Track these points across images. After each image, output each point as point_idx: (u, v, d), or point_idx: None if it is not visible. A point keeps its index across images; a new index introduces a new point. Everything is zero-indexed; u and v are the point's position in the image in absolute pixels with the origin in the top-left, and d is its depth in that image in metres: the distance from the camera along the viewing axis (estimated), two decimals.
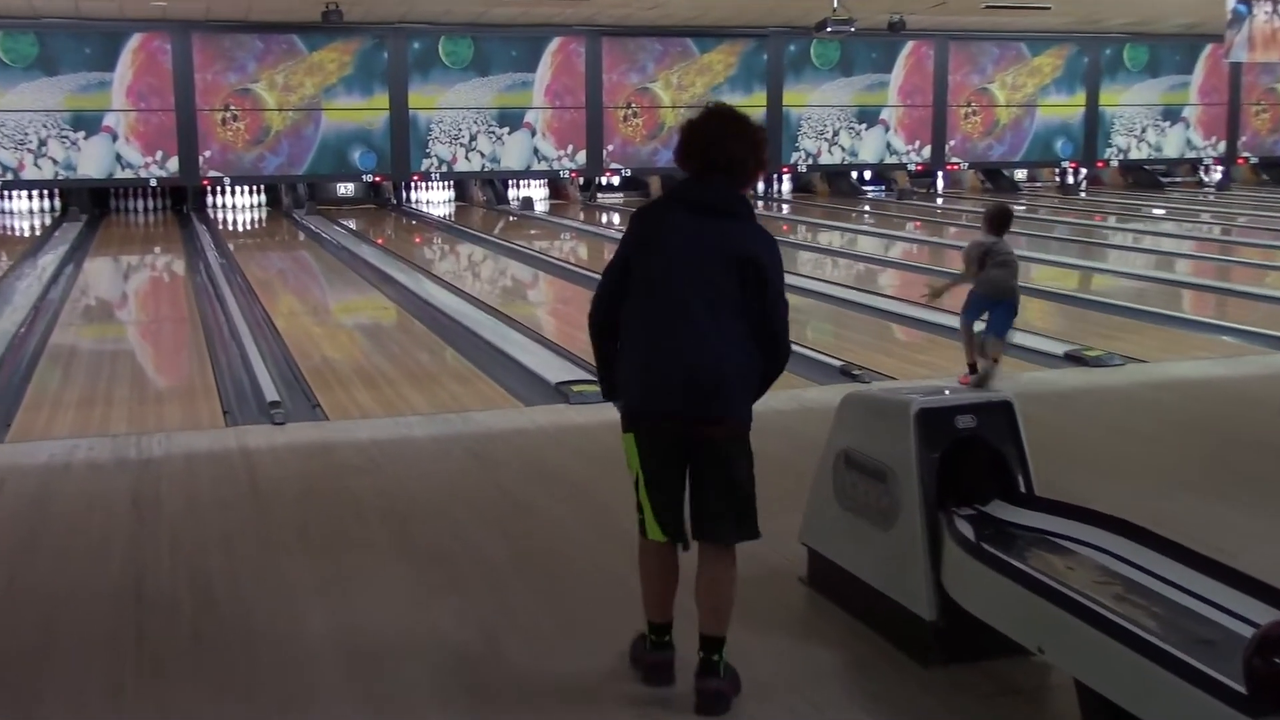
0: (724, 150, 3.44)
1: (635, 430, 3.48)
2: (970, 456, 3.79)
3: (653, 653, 3.61)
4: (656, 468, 3.45)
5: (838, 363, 8.15)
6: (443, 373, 8.35)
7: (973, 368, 7.61)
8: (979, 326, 7.64)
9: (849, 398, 4.20)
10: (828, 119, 23.78)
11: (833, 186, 24.40)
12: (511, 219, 20.58)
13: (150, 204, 21.09)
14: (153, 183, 20.48)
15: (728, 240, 3.41)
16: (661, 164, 22.57)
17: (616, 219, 20.17)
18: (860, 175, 24.96)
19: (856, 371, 7.88)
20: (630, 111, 22.57)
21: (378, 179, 21.74)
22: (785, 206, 22.83)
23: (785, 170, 23.96)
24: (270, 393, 7.37)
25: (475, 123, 21.78)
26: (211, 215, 20.52)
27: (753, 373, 3.45)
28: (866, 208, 22.40)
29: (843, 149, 24.00)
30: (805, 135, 23.69)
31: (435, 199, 22.63)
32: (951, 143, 24.65)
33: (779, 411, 6.89)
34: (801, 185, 24.73)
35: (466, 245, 17.29)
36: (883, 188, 24.81)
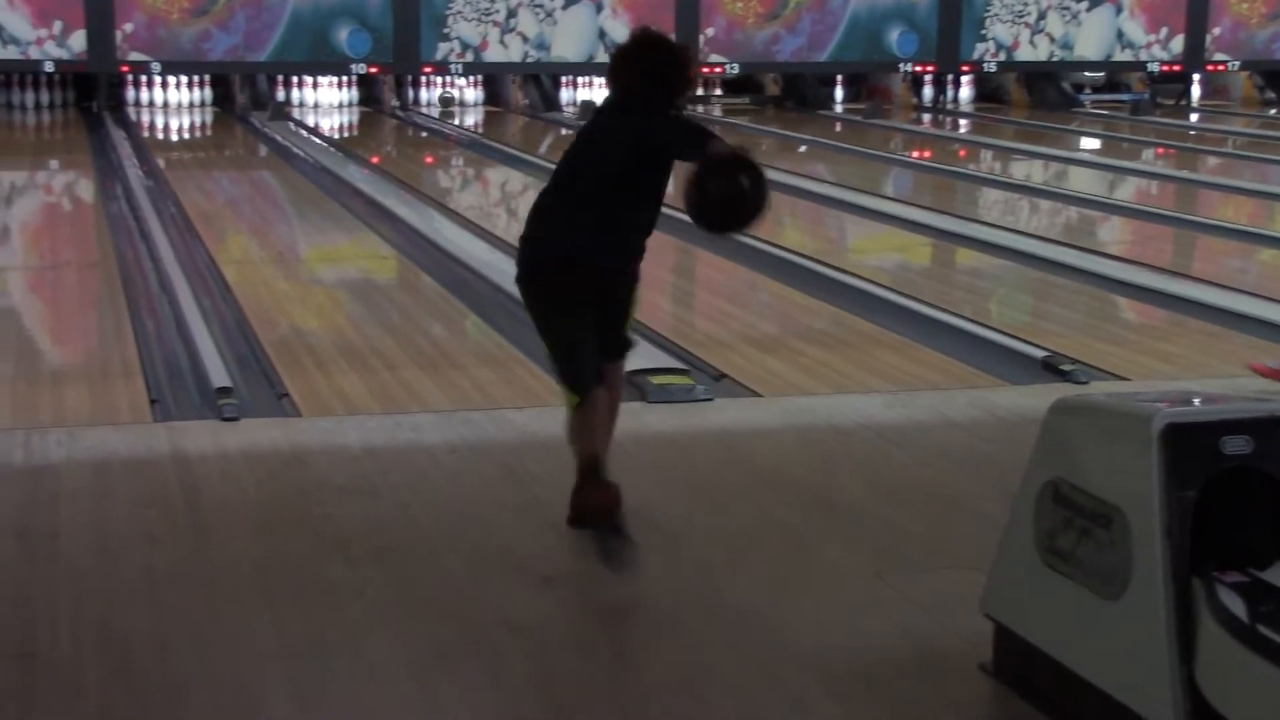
0: (644, 67, 5.15)
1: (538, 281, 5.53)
2: (1243, 496, 3.76)
3: (604, 487, 5.02)
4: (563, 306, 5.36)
5: (1040, 353, 8.08)
6: (464, 352, 8.40)
7: None
8: None
9: (1060, 406, 4.19)
10: None
11: (1034, 95, 24.25)
12: (565, 132, 20.59)
13: (44, 98, 21.35)
14: (48, 66, 20.73)
15: (633, 130, 5.06)
16: (784, 56, 22.31)
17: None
18: (1077, 79, 24.78)
19: (1067, 367, 7.80)
20: None
21: (373, 70, 21.87)
22: (964, 123, 22.63)
23: (965, 70, 23.79)
24: (218, 375, 7.43)
25: None
26: (133, 116, 20.74)
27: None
28: (1085, 126, 22.20)
29: (1051, 39, 23.79)
30: (995, 19, 23.50)
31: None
32: (1216, 31, 24.34)
33: (953, 424, 6.84)
34: (989, 92, 24.56)
35: (500, 169, 17.35)
36: (1118, 96, 24.62)
